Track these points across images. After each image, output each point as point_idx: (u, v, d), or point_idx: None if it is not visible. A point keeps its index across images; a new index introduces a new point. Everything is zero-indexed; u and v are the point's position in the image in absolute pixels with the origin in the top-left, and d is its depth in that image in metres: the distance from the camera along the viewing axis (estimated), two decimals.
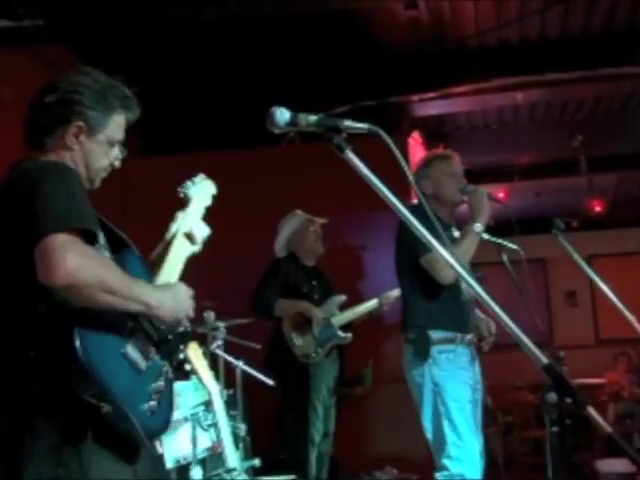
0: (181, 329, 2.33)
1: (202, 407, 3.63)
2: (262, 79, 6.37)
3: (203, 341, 4.14)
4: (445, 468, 3.51)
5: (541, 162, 8.64)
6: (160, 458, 2.81)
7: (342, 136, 1.99)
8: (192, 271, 6.36)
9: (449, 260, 1.93)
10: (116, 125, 2.25)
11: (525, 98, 6.69)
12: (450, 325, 3.55)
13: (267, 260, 5.17)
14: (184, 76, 6.31)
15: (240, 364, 4.15)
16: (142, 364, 2.05)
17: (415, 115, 6.86)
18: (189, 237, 2.42)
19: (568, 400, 1.72)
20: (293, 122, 1.97)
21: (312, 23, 5.71)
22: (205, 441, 3.69)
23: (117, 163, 2.32)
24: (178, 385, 3.45)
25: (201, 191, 2.60)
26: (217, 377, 4.07)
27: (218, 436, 3.56)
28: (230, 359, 4.11)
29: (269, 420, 5.19)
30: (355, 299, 5.31)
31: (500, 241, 4.67)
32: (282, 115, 1.97)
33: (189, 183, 2.59)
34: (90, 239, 1.98)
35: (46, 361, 1.89)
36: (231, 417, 4.02)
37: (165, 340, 2.17)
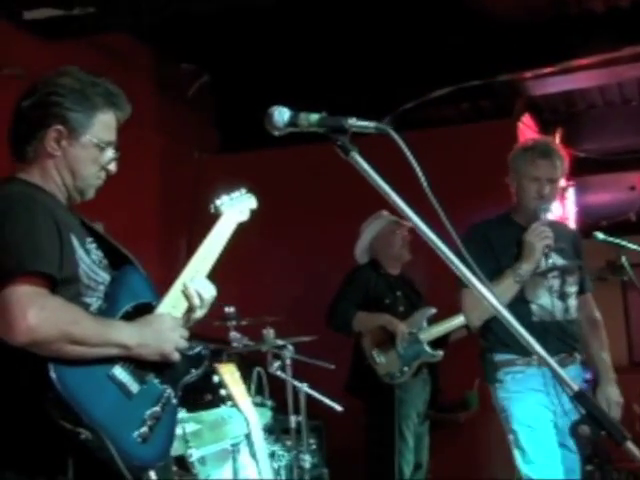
0: (195, 351, 2.33)
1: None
2: (350, 64, 6.34)
3: (263, 362, 4.18)
4: None
5: None
6: None
7: (347, 136, 1.96)
8: (256, 283, 6.45)
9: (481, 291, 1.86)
10: (102, 125, 2.25)
11: None
12: (517, 347, 3.41)
13: (348, 268, 5.16)
14: (264, 65, 6.35)
15: (304, 387, 4.15)
16: (133, 387, 2.08)
17: (531, 94, 6.64)
18: (186, 297, 2.33)
19: (603, 434, 1.66)
20: (293, 122, 1.96)
21: None
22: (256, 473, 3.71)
23: (112, 167, 2.31)
24: (226, 411, 3.51)
25: (237, 206, 2.62)
26: (279, 402, 4.12)
27: (275, 468, 3.59)
28: (293, 382, 4.11)
29: (353, 452, 5.16)
30: (452, 311, 5.18)
31: (620, 242, 4.47)
32: (281, 115, 1.96)
33: (225, 197, 2.62)
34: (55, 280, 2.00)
35: (20, 390, 1.96)
36: (286, 447, 4.05)
37: (166, 364, 2.19)
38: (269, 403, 4.12)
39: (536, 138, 3.87)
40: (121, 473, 1.99)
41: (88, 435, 1.92)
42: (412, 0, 5.69)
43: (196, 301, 2.33)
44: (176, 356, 2.19)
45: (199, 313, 2.37)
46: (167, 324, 2.19)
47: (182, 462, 3.54)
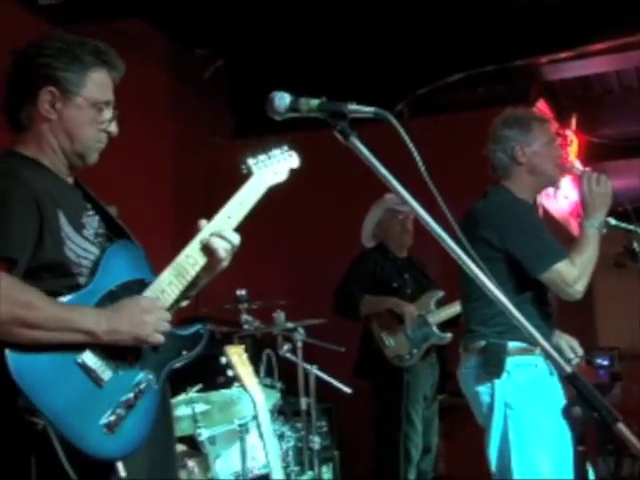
0: (190, 331, 2.19)
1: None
2: (366, 49, 6.36)
3: (274, 344, 4.26)
4: None
5: None
6: None
7: (346, 121, 2.00)
8: (268, 266, 6.49)
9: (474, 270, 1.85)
10: (96, 84, 2.16)
11: None
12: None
13: (359, 251, 5.22)
14: (279, 50, 6.39)
15: (313, 369, 4.22)
16: (105, 374, 1.97)
17: (547, 79, 6.65)
18: (205, 250, 2.19)
19: (595, 415, 1.68)
20: (294, 107, 2.01)
21: None
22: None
23: (113, 129, 2.20)
24: (235, 392, 3.59)
25: (271, 167, 2.38)
26: (289, 384, 4.20)
27: (284, 448, 3.66)
28: (302, 364, 4.18)
29: (364, 434, 5.23)
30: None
31: (633, 228, 4.48)
32: (282, 100, 2.02)
33: (261, 156, 2.38)
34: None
35: None
36: (295, 429, 4.13)
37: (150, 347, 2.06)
38: (278, 385, 4.19)
39: (508, 109, 3.59)
40: (66, 469, 1.86)
41: (45, 425, 1.83)
42: None
43: (222, 251, 2.19)
44: (157, 338, 2.05)
45: (224, 264, 2.24)
46: (141, 306, 2.05)
47: (192, 441, 3.64)
